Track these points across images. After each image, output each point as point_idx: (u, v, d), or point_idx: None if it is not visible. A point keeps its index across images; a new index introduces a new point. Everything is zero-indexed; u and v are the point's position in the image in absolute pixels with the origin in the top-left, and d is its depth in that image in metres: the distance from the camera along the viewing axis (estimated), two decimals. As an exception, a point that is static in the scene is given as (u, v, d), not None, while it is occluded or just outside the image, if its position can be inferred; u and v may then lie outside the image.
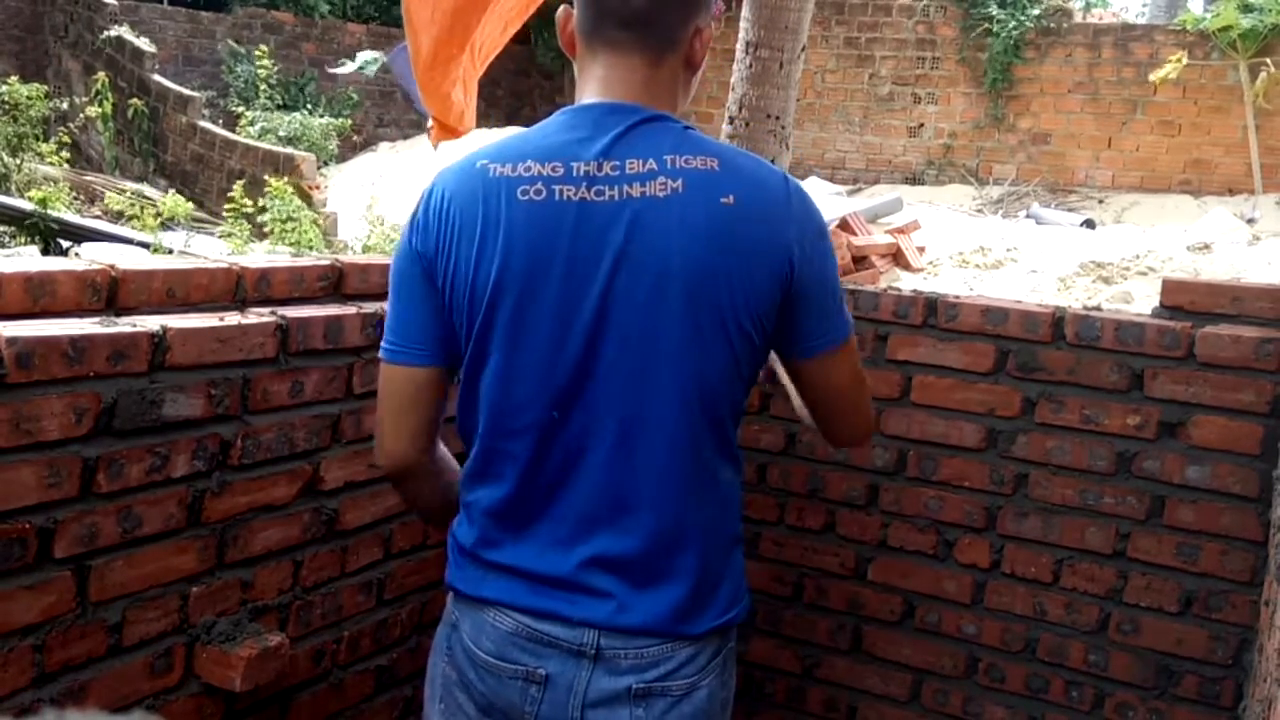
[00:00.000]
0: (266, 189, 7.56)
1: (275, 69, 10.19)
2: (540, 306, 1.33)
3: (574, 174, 1.32)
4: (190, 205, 7.66)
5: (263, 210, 7.38)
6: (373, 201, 7.87)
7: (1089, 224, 9.57)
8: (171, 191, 7.96)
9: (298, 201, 7.62)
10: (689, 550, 1.39)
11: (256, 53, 10.19)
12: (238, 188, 7.43)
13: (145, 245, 6.66)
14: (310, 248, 7.17)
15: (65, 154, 8.56)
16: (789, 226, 1.35)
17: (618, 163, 1.32)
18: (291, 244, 7.14)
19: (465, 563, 1.45)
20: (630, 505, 1.36)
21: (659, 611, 1.38)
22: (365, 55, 10.66)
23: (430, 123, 2.91)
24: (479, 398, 1.40)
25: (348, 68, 10.36)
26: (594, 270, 1.31)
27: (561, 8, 1.42)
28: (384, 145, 11.98)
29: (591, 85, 1.39)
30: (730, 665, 1.51)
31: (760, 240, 1.33)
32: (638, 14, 1.35)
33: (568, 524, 1.38)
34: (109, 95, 9.46)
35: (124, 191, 8.10)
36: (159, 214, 7.33)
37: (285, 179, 7.85)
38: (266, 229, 7.35)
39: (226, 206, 7.40)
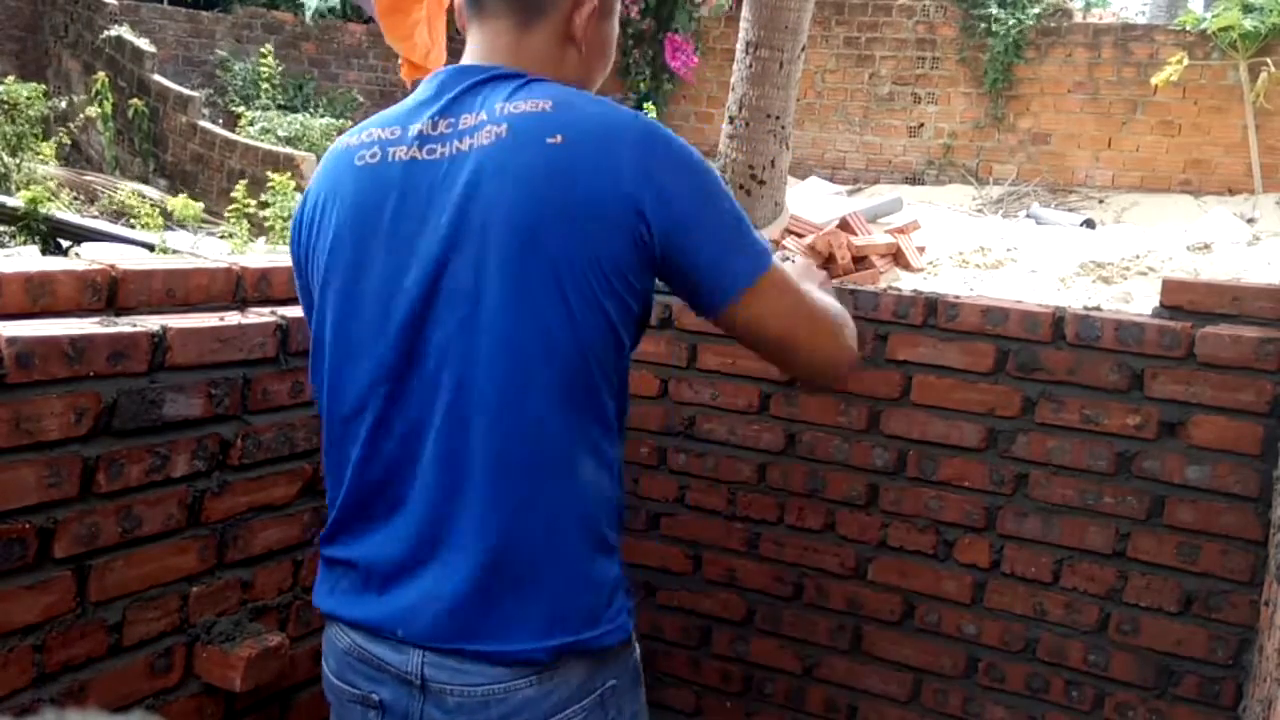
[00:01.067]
0: (269, 185, 7.57)
1: (279, 68, 10.18)
2: (369, 277, 1.24)
3: (408, 135, 1.26)
4: (200, 207, 7.65)
5: (265, 206, 7.38)
6: None
7: (1089, 224, 9.57)
8: (183, 196, 7.94)
9: (300, 197, 7.61)
10: (527, 552, 1.21)
11: (261, 52, 10.18)
12: (240, 188, 7.43)
13: (146, 245, 6.66)
14: (311, 247, 7.16)
15: (65, 154, 8.56)
16: (630, 166, 1.18)
17: (452, 119, 1.24)
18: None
19: (321, 572, 1.35)
20: (464, 499, 1.21)
21: (479, 621, 1.21)
22: None
23: (401, 60, 2.94)
24: (320, 383, 1.31)
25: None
26: (419, 232, 1.21)
27: None
28: (384, 145, 11.97)
29: (466, 55, 1.33)
30: (613, 714, 1.29)
31: (593, 181, 1.17)
32: None
33: (405, 519, 1.25)
34: (109, 95, 9.46)
35: (132, 194, 8.08)
36: (168, 214, 7.33)
37: (287, 176, 7.84)
38: (268, 224, 7.35)
39: (229, 207, 7.40)
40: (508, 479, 1.21)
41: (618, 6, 1.41)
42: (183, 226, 7.43)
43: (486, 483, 1.21)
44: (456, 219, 1.20)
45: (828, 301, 1.35)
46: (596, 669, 1.26)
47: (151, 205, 7.58)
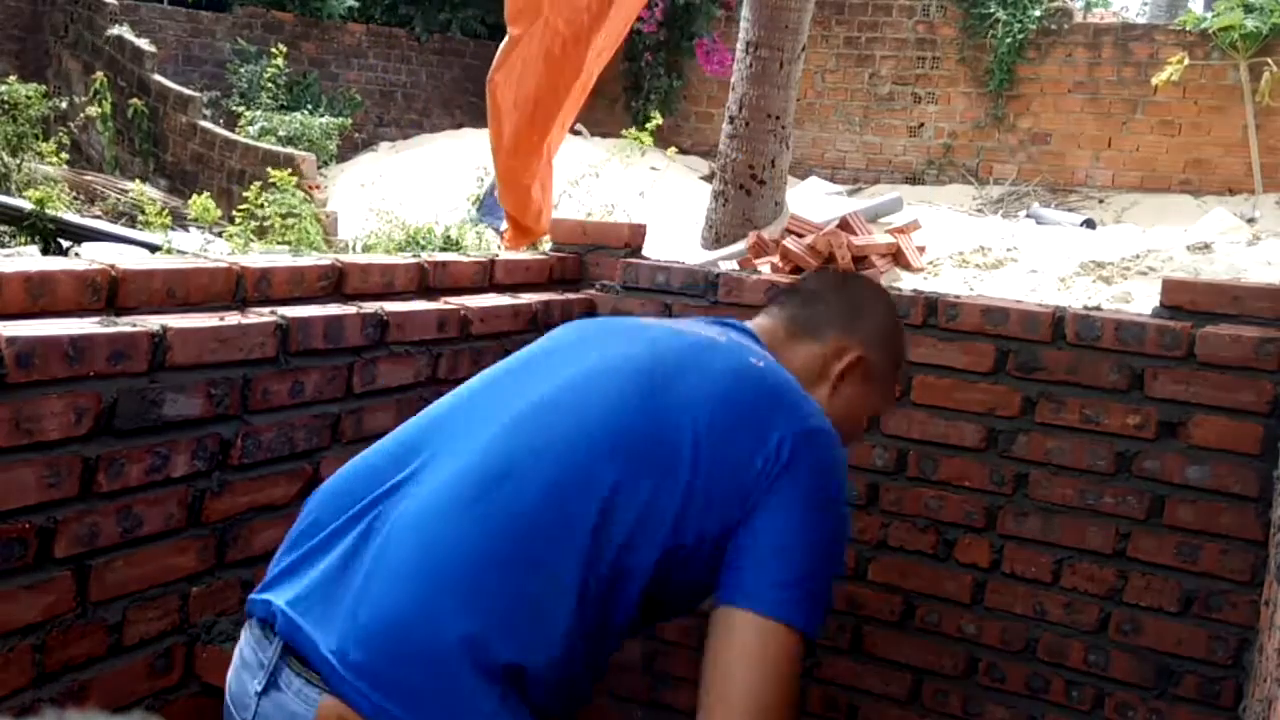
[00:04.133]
0: (270, 180, 7.55)
1: (287, 70, 10.18)
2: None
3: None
4: (218, 211, 7.63)
5: (263, 205, 7.37)
6: (380, 213, 7.81)
7: (1089, 224, 9.56)
8: (205, 196, 7.90)
9: (300, 195, 7.60)
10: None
11: (273, 51, 10.17)
12: (253, 190, 7.41)
13: (149, 246, 6.65)
14: (311, 245, 7.15)
15: (65, 154, 8.56)
16: (784, 423, 1.25)
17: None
18: (292, 241, 7.12)
19: None
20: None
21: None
22: None
23: (505, 225, 2.96)
24: None
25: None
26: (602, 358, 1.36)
27: None
28: (384, 145, 11.98)
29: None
30: None
31: (760, 409, 1.26)
32: (808, 295, 1.51)
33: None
34: (108, 95, 9.46)
35: (142, 195, 8.07)
36: (180, 215, 7.31)
37: (289, 173, 7.83)
38: (267, 222, 7.33)
39: (239, 208, 7.38)
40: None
41: (892, 388, 1.55)
42: (199, 227, 7.41)
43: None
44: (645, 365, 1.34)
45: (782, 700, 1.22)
46: None
47: (161, 206, 7.57)
